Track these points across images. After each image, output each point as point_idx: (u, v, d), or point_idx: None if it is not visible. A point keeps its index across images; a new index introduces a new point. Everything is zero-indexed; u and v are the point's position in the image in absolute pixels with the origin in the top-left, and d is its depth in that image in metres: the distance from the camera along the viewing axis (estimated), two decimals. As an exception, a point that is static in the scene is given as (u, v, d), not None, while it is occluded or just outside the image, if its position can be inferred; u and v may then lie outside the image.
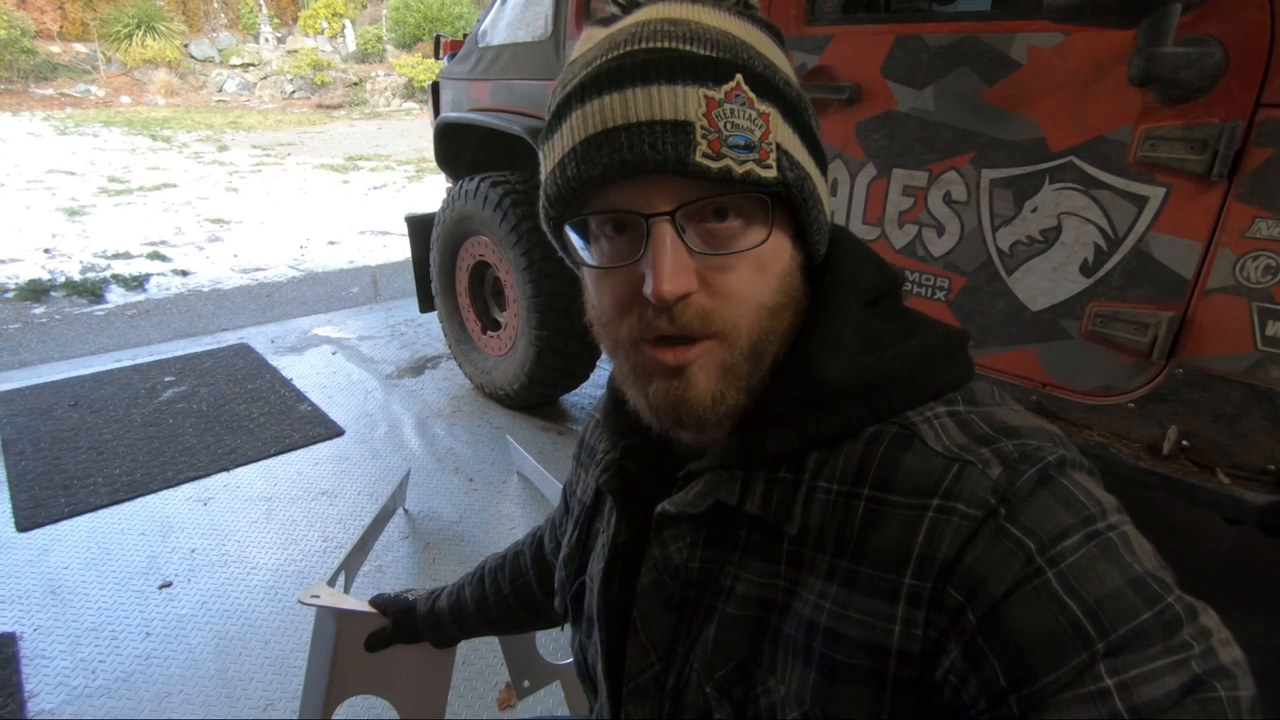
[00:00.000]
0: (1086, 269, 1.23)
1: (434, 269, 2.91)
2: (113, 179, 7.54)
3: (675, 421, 0.48)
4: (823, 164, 0.50)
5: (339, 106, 14.53)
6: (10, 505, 2.07)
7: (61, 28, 14.48)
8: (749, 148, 0.43)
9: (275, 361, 3.14)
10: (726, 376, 0.46)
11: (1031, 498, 0.39)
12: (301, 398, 2.80)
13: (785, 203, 0.46)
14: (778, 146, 0.44)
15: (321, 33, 16.29)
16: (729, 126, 0.42)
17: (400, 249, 5.15)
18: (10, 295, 3.95)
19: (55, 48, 14.17)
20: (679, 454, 0.54)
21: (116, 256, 4.77)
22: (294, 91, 15.10)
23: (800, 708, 0.44)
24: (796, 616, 0.45)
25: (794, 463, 0.47)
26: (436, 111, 2.93)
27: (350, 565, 1.45)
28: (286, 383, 2.93)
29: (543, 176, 0.48)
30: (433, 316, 3.06)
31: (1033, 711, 0.35)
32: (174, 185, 7.40)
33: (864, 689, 0.41)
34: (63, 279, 4.19)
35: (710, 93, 0.42)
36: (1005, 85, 1.26)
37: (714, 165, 0.42)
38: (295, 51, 15.64)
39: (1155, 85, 1.07)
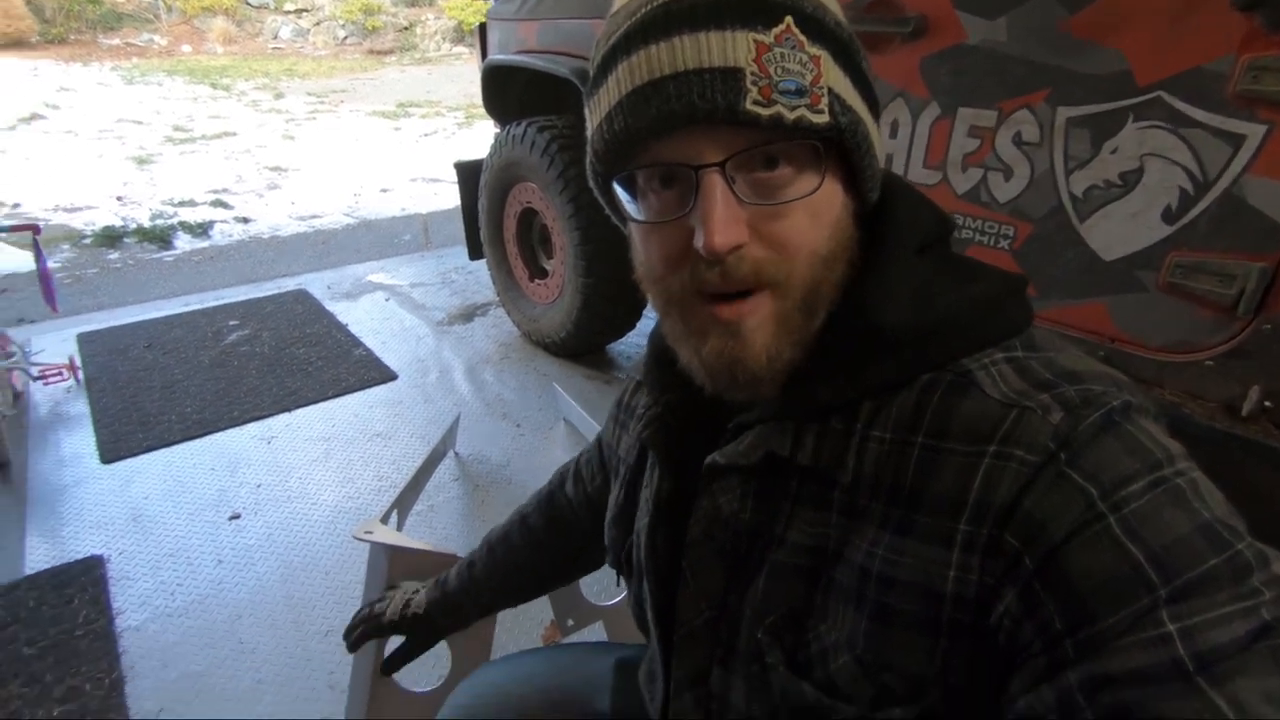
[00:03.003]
0: (1169, 216, 1.14)
1: (482, 216, 2.91)
2: (177, 128, 7.74)
3: (730, 381, 0.47)
4: (875, 107, 0.48)
5: (390, 52, 14.47)
6: (95, 439, 2.22)
7: (124, -24, 14.70)
8: (800, 93, 0.41)
9: (331, 307, 3.23)
10: (781, 331, 0.45)
11: (1094, 443, 0.38)
12: (356, 342, 2.89)
13: (837, 148, 0.45)
14: (829, 90, 0.43)
15: (372, -24, 16.11)
16: (779, 71, 0.41)
17: (450, 196, 5.17)
18: (88, 241, 4.15)
19: (119, -3, 14.44)
20: (725, 406, 0.53)
21: (182, 204, 4.94)
22: (346, 37, 15.08)
23: (852, 652, 0.44)
24: (849, 564, 0.45)
25: (846, 413, 0.46)
26: (484, 54, 2.89)
27: (403, 503, 1.50)
28: (342, 328, 3.02)
29: (589, 133, 0.48)
30: (482, 265, 3.08)
31: (1089, 655, 0.35)
32: (234, 134, 7.56)
33: (918, 634, 0.41)
34: (134, 226, 4.37)
35: (760, 37, 0.41)
36: (1088, 13, 1.15)
37: (765, 112, 0.41)
38: (347, -4, 15.54)
39: (1263, 10, 0.96)
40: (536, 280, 2.76)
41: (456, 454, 2.17)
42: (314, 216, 4.77)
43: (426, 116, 8.81)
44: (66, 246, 4.05)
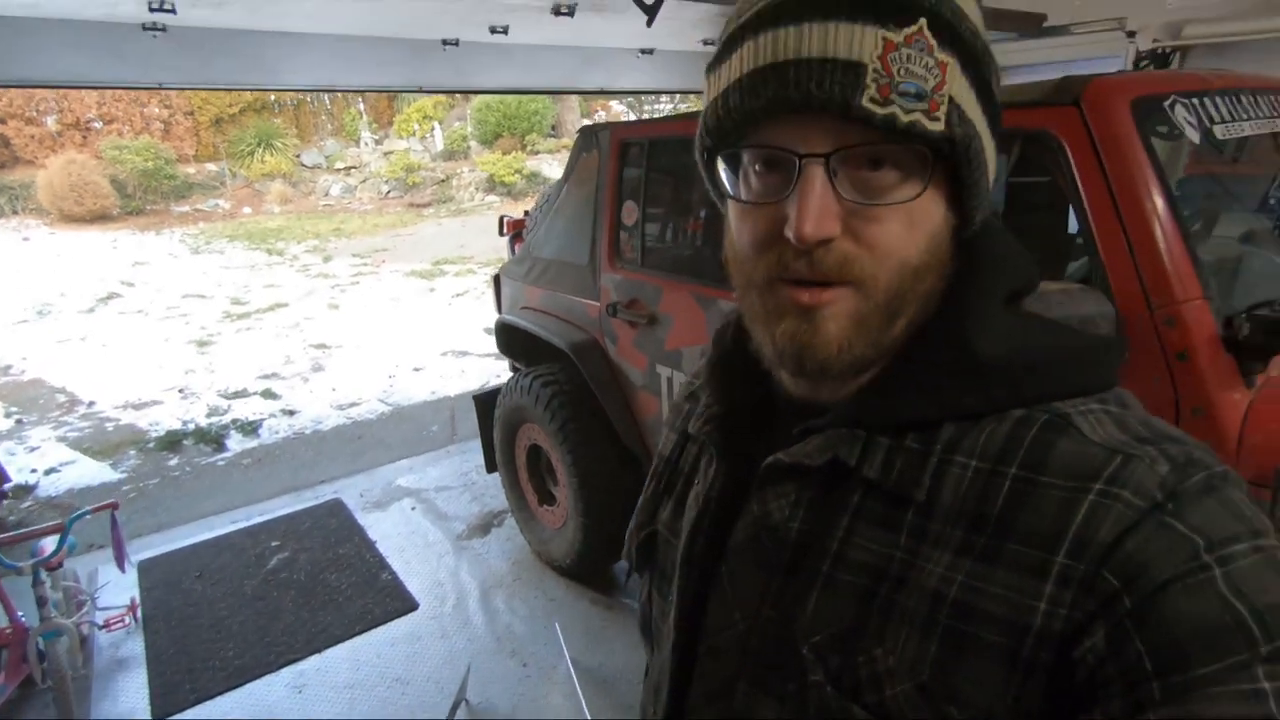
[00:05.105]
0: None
1: (497, 442, 3.23)
2: (235, 301, 8.55)
3: (797, 366, 0.47)
4: (996, 125, 0.47)
5: (428, 204, 15.79)
6: (148, 691, 2.47)
7: (196, 151, 16.57)
8: (919, 96, 0.41)
9: (363, 519, 3.53)
10: (857, 327, 0.45)
11: (1199, 501, 0.39)
12: (383, 565, 3.15)
13: (947, 160, 0.44)
14: (950, 100, 0.42)
15: (414, 134, 17.86)
16: (902, 73, 0.41)
17: (476, 373, 5.63)
18: (151, 446, 4.60)
19: (191, 169, 16.21)
20: (789, 413, 0.53)
21: (235, 395, 5.45)
22: (389, 191, 16.54)
23: (914, 680, 0.43)
24: (916, 588, 0.44)
25: (923, 432, 0.46)
26: (499, 305, 3.31)
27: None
28: (371, 545, 3.30)
29: (704, 104, 0.49)
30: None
31: (1177, 699, 0.35)
32: (285, 304, 8.31)
33: (993, 665, 0.41)
34: (192, 427, 4.84)
35: (890, 35, 0.41)
36: None
37: (879, 111, 0.41)
38: (391, 154, 17.19)
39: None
40: (545, 506, 3.03)
41: (468, 702, 2.36)
42: (352, 405, 5.22)
43: (459, 275, 9.56)
44: (133, 452, 4.50)
